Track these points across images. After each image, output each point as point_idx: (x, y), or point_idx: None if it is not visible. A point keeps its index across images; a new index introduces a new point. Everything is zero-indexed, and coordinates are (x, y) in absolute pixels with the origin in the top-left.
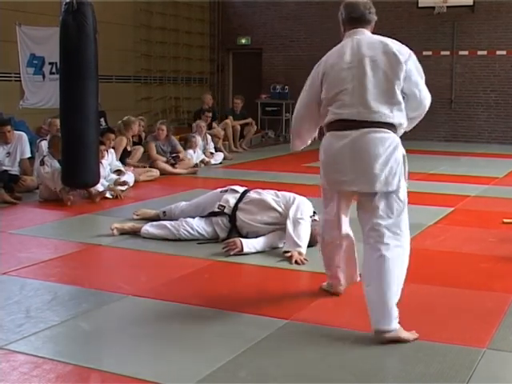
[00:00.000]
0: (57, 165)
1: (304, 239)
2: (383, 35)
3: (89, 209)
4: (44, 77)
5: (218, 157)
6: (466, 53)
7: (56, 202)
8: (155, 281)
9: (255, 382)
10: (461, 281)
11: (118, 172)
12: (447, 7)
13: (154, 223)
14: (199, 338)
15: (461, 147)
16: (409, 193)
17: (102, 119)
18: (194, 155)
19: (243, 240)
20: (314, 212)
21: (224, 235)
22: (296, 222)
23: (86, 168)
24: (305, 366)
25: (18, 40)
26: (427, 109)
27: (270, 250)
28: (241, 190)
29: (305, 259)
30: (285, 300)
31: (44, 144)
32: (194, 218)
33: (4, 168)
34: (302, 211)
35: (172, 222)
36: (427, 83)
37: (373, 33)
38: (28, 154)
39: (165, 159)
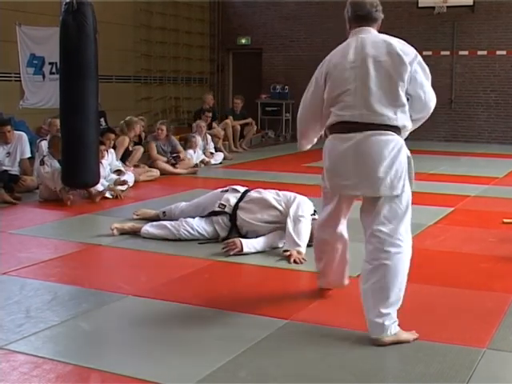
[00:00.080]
0: (57, 165)
1: (304, 238)
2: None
3: (89, 209)
4: (44, 77)
5: (218, 157)
6: (466, 53)
7: (56, 202)
8: (155, 281)
9: (255, 382)
10: (461, 281)
11: (118, 172)
12: (447, 7)
13: (154, 223)
14: (199, 338)
15: (461, 147)
16: (413, 194)
17: (102, 119)
18: (194, 155)
19: (243, 240)
20: (315, 211)
21: (224, 234)
22: (296, 220)
23: (86, 168)
24: (305, 366)
25: (18, 40)
26: (432, 110)
27: (270, 250)
28: (242, 189)
29: (303, 259)
30: (285, 300)
31: (44, 144)
32: (193, 218)
33: (4, 168)
34: (303, 209)
35: (172, 222)
36: None
37: (379, 31)
38: (28, 154)
39: (165, 159)
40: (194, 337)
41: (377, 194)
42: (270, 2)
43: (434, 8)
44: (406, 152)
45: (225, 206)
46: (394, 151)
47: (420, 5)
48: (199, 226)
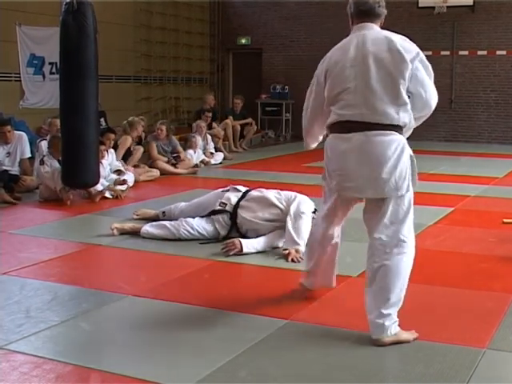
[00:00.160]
0: (56, 165)
1: (303, 235)
2: None
3: (89, 209)
4: (44, 77)
5: (218, 157)
6: (466, 53)
7: (56, 202)
8: (155, 281)
9: (255, 382)
10: (461, 281)
11: (118, 172)
12: (447, 7)
13: (154, 223)
14: (199, 339)
15: (461, 147)
16: (415, 194)
17: (102, 119)
18: (195, 155)
19: (242, 240)
20: (316, 209)
21: (224, 232)
22: (297, 217)
23: (86, 168)
24: (305, 366)
25: (18, 40)
26: (433, 108)
27: (270, 250)
28: (243, 189)
29: (301, 257)
30: (285, 300)
31: (44, 144)
32: (193, 218)
33: (4, 168)
34: (304, 207)
35: (172, 222)
36: None
37: (381, 28)
38: (28, 154)
39: (166, 159)
40: (193, 337)
41: (382, 195)
42: (269, 2)
43: (434, 8)
44: (408, 151)
45: (226, 204)
46: (398, 151)
47: (420, 5)
48: (199, 225)
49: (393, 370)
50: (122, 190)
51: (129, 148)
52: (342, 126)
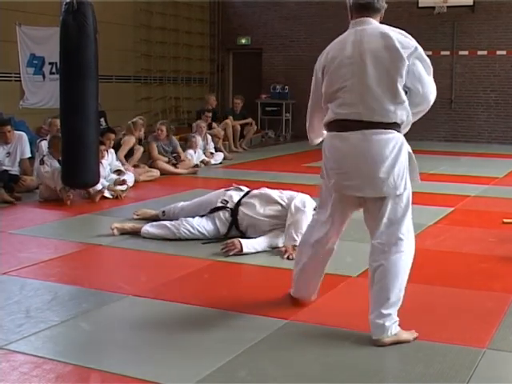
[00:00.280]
0: (56, 164)
1: (302, 231)
2: None
3: (89, 209)
4: (44, 77)
5: (218, 157)
6: (466, 53)
7: (56, 202)
8: (155, 281)
9: (255, 382)
10: (461, 281)
11: (118, 172)
12: (447, 7)
13: (154, 223)
14: (199, 339)
15: (461, 147)
16: (413, 194)
17: (102, 119)
18: (195, 155)
19: (242, 240)
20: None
21: (224, 230)
22: (297, 212)
23: (86, 168)
24: (305, 366)
25: (18, 40)
26: (432, 103)
27: (270, 250)
28: (246, 189)
29: None
30: (285, 300)
31: (44, 144)
32: (193, 217)
33: (4, 168)
34: (305, 204)
35: (172, 222)
36: None
37: (381, 23)
38: (28, 154)
39: (166, 159)
40: (193, 337)
41: (381, 194)
42: (270, 2)
43: (434, 8)
44: (406, 149)
45: (227, 201)
46: (395, 150)
47: (420, 5)
48: (199, 224)
49: (393, 370)
50: (122, 190)
51: (131, 148)
52: (340, 125)
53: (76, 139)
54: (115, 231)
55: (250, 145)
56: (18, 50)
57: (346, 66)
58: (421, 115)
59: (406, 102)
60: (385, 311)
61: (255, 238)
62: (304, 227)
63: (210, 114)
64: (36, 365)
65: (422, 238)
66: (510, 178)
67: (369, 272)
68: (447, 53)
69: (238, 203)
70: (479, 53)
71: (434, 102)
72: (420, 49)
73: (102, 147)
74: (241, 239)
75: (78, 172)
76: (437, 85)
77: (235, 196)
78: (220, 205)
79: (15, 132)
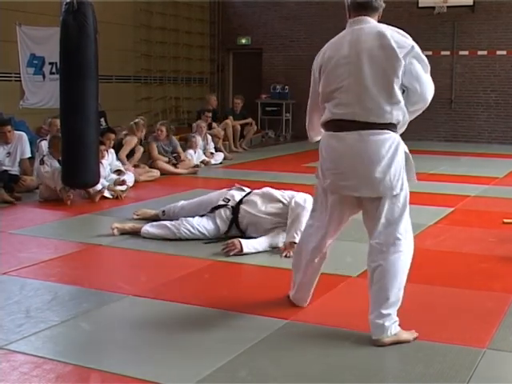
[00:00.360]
0: (56, 164)
1: (302, 228)
2: None
3: (89, 209)
4: (44, 77)
5: (218, 157)
6: (466, 53)
7: (56, 202)
8: (155, 281)
9: (255, 382)
10: (461, 281)
11: (118, 172)
12: (447, 7)
13: (154, 223)
14: (199, 339)
15: (461, 147)
16: (413, 194)
17: (102, 119)
18: (195, 155)
19: (242, 241)
20: None
21: (224, 228)
22: (298, 207)
23: (86, 168)
24: (305, 366)
25: (18, 40)
26: (429, 101)
27: (270, 250)
28: (248, 190)
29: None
30: (285, 300)
31: (44, 144)
32: (193, 217)
33: (4, 168)
34: (305, 200)
35: (172, 222)
36: None
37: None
38: (28, 154)
39: (166, 159)
40: (193, 337)
41: (378, 194)
42: (270, 2)
43: (434, 8)
44: (403, 149)
45: (229, 200)
46: (392, 150)
47: (420, 5)
48: (199, 224)
49: (393, 370)
50: (122, 190)
51: (132, 148)
52: (336, 125)
53: (76, 139)
54: (115, 231)
55: (250, 145)
56: (18, 49)
57: (343, 66)
58: (418, 114)
59: (402, 103)
60: (384, 311)
61: (255, 237)
62: (304, 224)
63: (210, 114)
64: (36, 365)
65: (421, 238)
66: (509, 178)
67: (368, 272)
68: (447, 53)
69: (240, 202)
70: (479, 53)
71: (434, 102)
72: (417, 47)
73: (102, 147)
74: (241, 239)
75: (78, 172)
76: (437, 85)
77: (237, 195)
78: (222, 203)
79: (15, 132)
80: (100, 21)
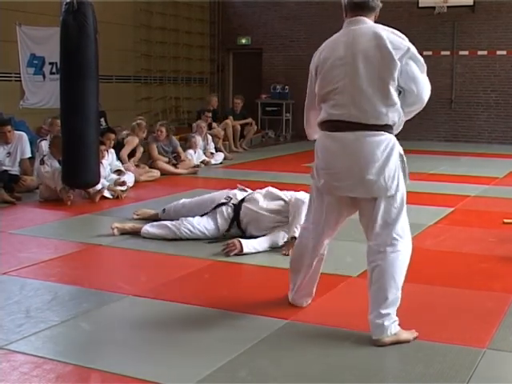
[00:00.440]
0: (57, 165)
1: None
2: None
3: (89, 209)
4: (44, 77)
5: (219, 157)
6: (466, 53)
7: (56, 202)
8: (155, 281)
9: (255, 382)
10: (461, 281)
11: (118, 172)
12: (447, 7)
13: (155, 223)
14: (199, 338)
15: (461, 147)
16: (408, 193)
17: (102, 119)
18: (195, 155)
19: (242, 241)
20: None
21: (225, 226)
22: (298, 201)
23: (86, 168)
24: (305, 366)
25: (18, 40)
26: (426, 102)
27: (270, 250)
28: (250, 191)
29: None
30: (285, 300)
31: (44, 144)
32: (193, 217)
33: (4, 168)
34: (307, 197)
35: (173, 222)
36: None
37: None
38: (28, 154)
39: (166, 159)
40: (194, 337)
41: (372, 194)
42: (270, 2)
43: (434, 8)
44: (398, 150)
45: (231, 198)
46: (387, 151)
47: (420, 5)
48: (200, 224)
49: (393, 370)
50: (123, 190)
51: (133, 148)
52: (332, 125)
53: (76, 139)
54: (115, 231)
55: (250, 145)
56: (18, 49)
57: (338, 67)
58: (414, 114)
59: (398, 104)
60: (383, 311)
61: (255, 236)
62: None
63: (210, 114)
64: (36, 365)
65: (421, 238)
66: (509, 178)
67: (367, 273)
68: (447, 53)
69: (242, 200)
70: (479, 53)
71: (434, 102)
72: (413, 49)
73: (102, 147)
74: (241, 239)
75: (78, 172)
76: (437, 85)
77: (239, 195)
78: (224, 201)
79: (15, 132)
80: (100, 21)
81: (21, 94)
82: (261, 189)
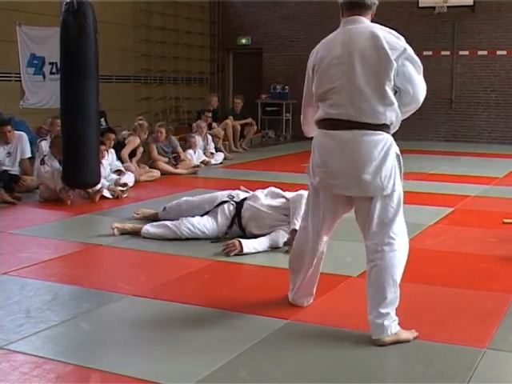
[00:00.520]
0: (57, 165)
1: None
2: None
3: (89, 209)
4: (44, 77)
5: (219, 157)
6: (466, 53)
7: (56, 202)
8: (155, 281)
9: (255, 382)
10: (461, 281)
11: (119, 172)
12: (447, 7)
13: (155, 223)
14: (199, 338)
15: (461, 147)
16: (408, 193)
17: (103, 119)
18: (195, 155)
19: (243, 241)
20: None
21: (226, 224)
22: (298, 195)
23: (86, 168)
24: (305, 366)
25: (18, 40)
26: (421, 102)
27: (270, 250)
28: (253, 192)
29: None
30: (285, 300)
31: (44, 144)
32: (193, 217)
33: (4, 168)
34: (306, 192)
35: (173, 222)
36: (428, 83)
37: (372, 21)
38: (28, 154)
39: (166, 160)
40: (193, 337)
41: (367, 193)
42: (270, 2)
43: (434, 8)
44: (395, 150)
45: (233, 196)
46: (384, 151)
47: (420, 5)
48: (200, 223)
49: (393, 370)
50: (123, 190)
51: (134, 148)
52: (330, 124)
53: (76, 139)
54: (115, 231)
55: (251, 145)
56: (18, 49)
57: (335, 67)
58: (409, 114)
59: (395, 104)
60: (383, 310)
61: (256, 235)
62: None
63: (210, 114)
64: (36, 365)
65: (421, 238)
66: (509, 178)
67: (366, 273)
68: (447, 53)
69: (244, 199)
70: (479, 53)
71: (434, 102)
72: (409, 49)
73: (103, 147)
74: (241, 239)
75: (78, 172)
76: (437, 85)
77: (242, 194)
78: (226, 199)
79: (15, 132)
80: (100, 21)
81: (21, 93)
82: (262, 189)
